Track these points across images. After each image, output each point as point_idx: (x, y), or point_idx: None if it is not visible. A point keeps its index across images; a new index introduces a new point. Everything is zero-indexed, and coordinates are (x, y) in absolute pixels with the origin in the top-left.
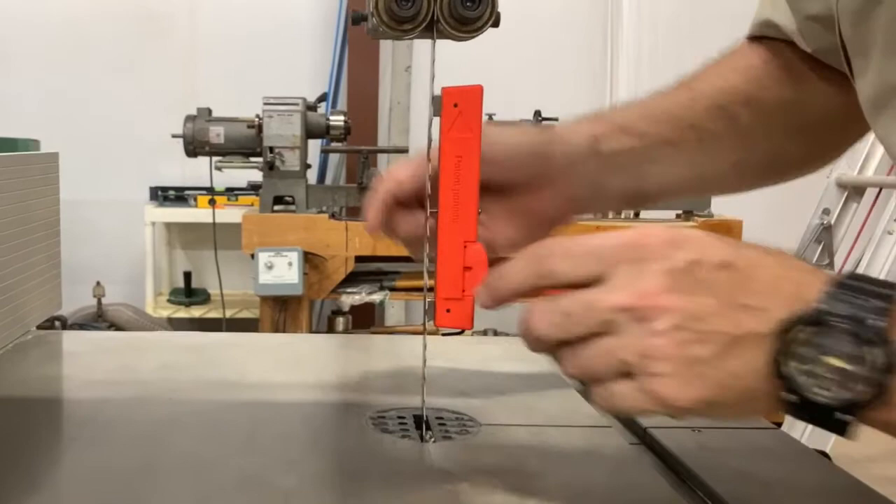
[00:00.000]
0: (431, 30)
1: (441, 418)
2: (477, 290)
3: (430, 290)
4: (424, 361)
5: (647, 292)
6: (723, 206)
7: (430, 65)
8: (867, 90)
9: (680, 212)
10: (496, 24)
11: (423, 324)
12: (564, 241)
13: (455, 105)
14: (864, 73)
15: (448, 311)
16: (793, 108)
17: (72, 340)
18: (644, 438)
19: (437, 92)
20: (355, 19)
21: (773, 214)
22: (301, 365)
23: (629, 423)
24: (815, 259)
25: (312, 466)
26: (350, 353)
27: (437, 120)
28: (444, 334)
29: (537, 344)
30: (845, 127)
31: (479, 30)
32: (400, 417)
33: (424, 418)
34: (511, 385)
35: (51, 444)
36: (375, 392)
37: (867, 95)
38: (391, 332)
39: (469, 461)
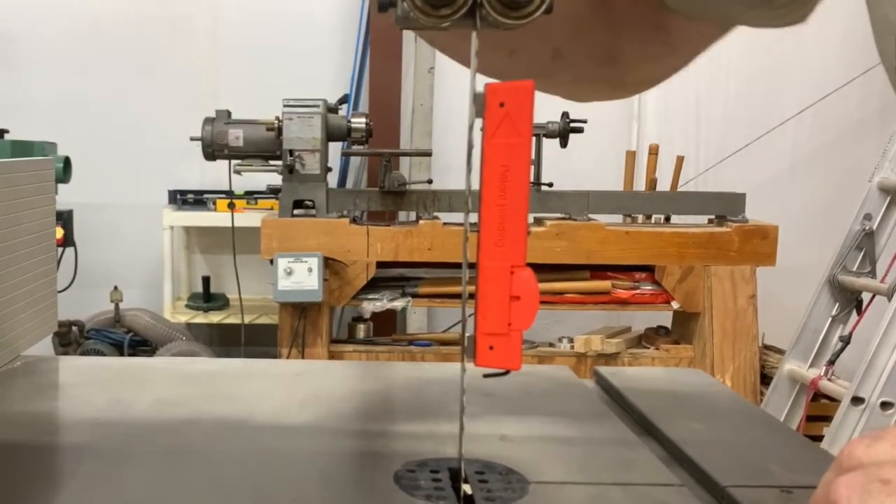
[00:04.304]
0: (473, 16)
1: (482, 473)
2: None
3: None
4: (462, 409)
5: None
6: (758, 211)
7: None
8: None
9: (713, 217)
10: (549, 9)
11: (462, 363)
12: None
13: (501, 105)
14: None
15: (491, 348)
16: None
17: (63, 369)
18: (723, 499)
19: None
20: (382, 6)
21: (811, 220)
22: (319, 401)
23: (704, 480)
24: (855, 266)
25: None
26: (374, 386)
27: (478, 122)
28: (485, 375)
29: None
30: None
31: (529, 15)
32: (433, 472)
33: (463, 476)
34: (558, 427)
35: None
36: (404, 437)
37: None
38: (414, 338)
39: None
